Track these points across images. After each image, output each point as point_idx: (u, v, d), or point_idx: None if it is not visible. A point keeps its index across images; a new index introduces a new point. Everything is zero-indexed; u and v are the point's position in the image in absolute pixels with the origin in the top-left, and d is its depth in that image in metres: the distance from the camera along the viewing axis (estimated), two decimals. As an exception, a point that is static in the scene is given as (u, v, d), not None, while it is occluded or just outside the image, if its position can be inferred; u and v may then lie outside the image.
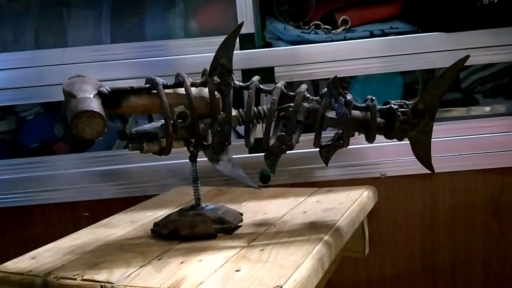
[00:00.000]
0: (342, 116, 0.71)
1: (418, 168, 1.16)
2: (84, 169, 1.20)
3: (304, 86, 0.74)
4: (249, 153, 1.14)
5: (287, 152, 0.76)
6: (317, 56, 1.15)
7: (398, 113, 0.73)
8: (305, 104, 0.73)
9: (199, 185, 0.78)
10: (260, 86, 0.75)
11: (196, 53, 1.15)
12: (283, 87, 0.74)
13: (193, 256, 0.68)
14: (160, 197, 1.03)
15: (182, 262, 0.66)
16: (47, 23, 1.25)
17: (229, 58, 0.72)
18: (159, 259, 0.67)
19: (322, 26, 1.18)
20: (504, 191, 1.20)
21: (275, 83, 0.77)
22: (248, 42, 1.14)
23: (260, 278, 0.59)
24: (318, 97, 0.73)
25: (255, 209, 0.88)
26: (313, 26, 1.19)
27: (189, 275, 0.61)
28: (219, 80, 0.72)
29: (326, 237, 0.72)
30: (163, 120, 0.71)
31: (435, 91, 0.74)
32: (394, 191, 1.20)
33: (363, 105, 0.74)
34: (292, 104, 0.73)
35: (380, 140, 1.18)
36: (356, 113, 0.74)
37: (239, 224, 0.79)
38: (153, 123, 0.74)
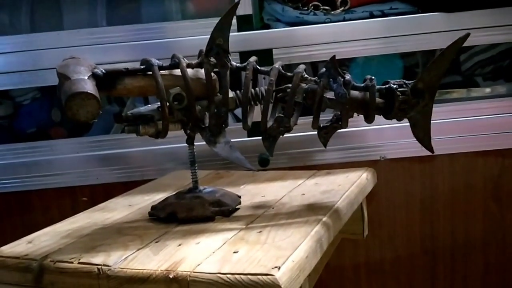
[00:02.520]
0: (341, 97, 0.70)
1: (417, 150, 1.17)
2: (82, 153, 1.19)
3: (302, 67, 0.73)
4: (248, 136, 1.13)
5: (286, 135, 0.75)
6: (316, 38, 1.13)
7: (398, 92, 0.72)
8: (303, 85, 0.72)
9: (196, 168, 0.77)
10: (258, 67, 0.74)
11: (193, 35, 1.14)
12: (280, 68, 0.73)
13: (191, 238, 0.67)
14: (157, 181, 1.02)
15: (179, 245, 0.65)
16: (42, 6, 1.23)
17: (226, 38, 0.71)
18: (157, 242, 0.67)
19: (321, 7, 1.17)
20: (504, 173, 1.19)
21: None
22: (246, 23, 1.13)
23: (258, 260, 0.58)
24: (316, 77, 0.72)
25: (253, 192, 0.88)
26: (312, 7, 1.17)
27: (186, 257, 0.61)
28: (215, 61, 0.71)
29: (324, 219, 0.72)
30: (159, 103, 0.70)
31: (435, 71, 0.72)
32: (394, 173, 1.19)
33: (362, 85, 0.73)
34: (290, 85, 0.72)
35: (379, 122, 1.17)
36: (355, 93, 0.72)
37: (237, 207, 0.79)
38: (149, 105, 0.73)
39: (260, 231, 0.68)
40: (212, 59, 0.71)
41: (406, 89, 0.72)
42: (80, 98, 0.61)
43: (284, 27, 1.16)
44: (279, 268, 0.55)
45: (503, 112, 1.16)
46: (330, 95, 0.72)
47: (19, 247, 0.69)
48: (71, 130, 1.32)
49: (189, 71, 0.71)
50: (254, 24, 1.13)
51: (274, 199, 0.83)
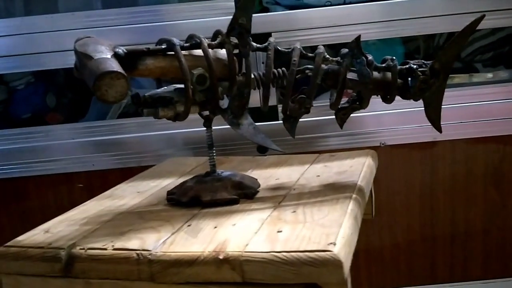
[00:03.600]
0: (364, 77, 0.71)
1: (418, 137, 1.17)
2: (78, 139, 1.18)
3: (322, 48, 0.72)
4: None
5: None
6: (315, 21, 1.11)
7: (419, 72, 0.73)
8: (324, 66, 0.71)
9: (214, 151, 0.76)
10: (278, 47, 0.72)
11: (190, 19, 1.12)
12: (302, 48, 0.72)
13: (224, 220, 0.65)
14: (157, 168, 1.01)
15: (215, 227, 0.63)
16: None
17: (249, 18, 0.68)
18: (189, 226, 0.64)
19: (321, -10, 1.15)
20: (504, 160, 1.18)
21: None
22: (244, 6, 1.11)
23: (307, 237, 0.56)
24: (339, 57, 0.72)
25: (264, 176, 0.86)
26: (312, -10, 1.15)
27: (229, 239, 0.58)
28: (236, 41, 0.69)
29: (354, 195, 0.71)
30: (175, 84, 0.69)
31: (452, 51, 0.74)
32: (394, 160, 1.18)
33: (383, 65, 0.73)
34: (309, 66, 0.71)
35: (379, 108, 1.16)
36: (375, 74, 0.73)
37: (258, 189, 0.77)
38: (164, 87, 0.70)
39: (294, 211, 0.66)
40: (233, 39, 0.69)
41: (426, 69, 0.74)
42: (109, 77, 0.59)
43: (283, 10, 1.14)
44: (334, 244, 0.54)
45: (504, 98, 1.14)
46: (350, 75, 0.72)
47: (37, 236, 0.65)
48: (66, 116, 1.30)
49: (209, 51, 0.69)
50: (252, 7, 1.11)
51: (291, 181, 0.82)
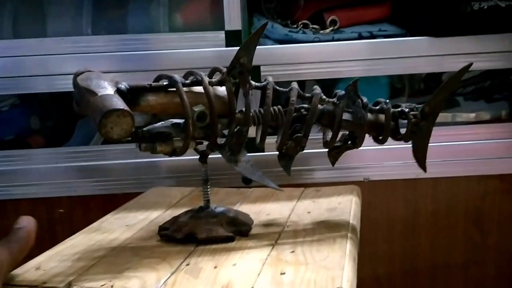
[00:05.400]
0: (360, 118, 0.73)
1: (401, 173, 1.18)
2: (61, 164, 1.16)
3: (318, 88, 0.74)
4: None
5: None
6: (304, 56, 1.13)
7: (411, 115, 0.75)
8: (319, 106, 0.73)
9: (209, 187, 0.76)
10: (276, 86, 0.73)
11: (180, 48, 1.13)
12: (299, 88, 0.73)
13: (223, 260, 0.64)
14: (141, 199, 0.99)
15: (215, 267, 0.62)
16: (26, 11, 1.21)
17: (250, 58, 0.70)
18: (187, 265, 0.63)
19: (310, 26, 1.17)
20: (485, 199, 1.20)
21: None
22: (234, 39, 1.12)
23: (313, 280, 0.56)
24: (335, 98, 0.74)
25: (254, 210, 0.85)
26: (301, 25, 1.17)
27: (233, 281, 0.57)
28: (237, 80, 0.70)
29: (350, 235, 0.71)
30: (172, 119, 0.69)
31: (441, 95, 0.77)
32: (377, 195, 1.19)
33: (377, 107, 0.76)
34: (304, 105, 0.73)
35: (364, 144, 1.17)
36: (368, 115, 0.75)
37: (251, 226, 0.77)
38: (162, 122, 0.70)
39: (293, 251, 0.66)
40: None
41: (417, 112, 0.76)
42: (116, 115, 0.58)
43: (272, 44, 1.15)
44: None
45: (487, 138, 1.17)
46: (345, 116, 0.74)
47: (28, 274, 0.63)
48: (50, 139, 1.29)
49: None
50: (242, 39, 1.12)
51: (283, 217, 0.82)
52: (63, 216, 1.19)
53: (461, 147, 1.16)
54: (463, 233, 1.21)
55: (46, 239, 1.18)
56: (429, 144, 1.18)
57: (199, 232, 0.71)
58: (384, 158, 1.16)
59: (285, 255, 0.65)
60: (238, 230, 0.73)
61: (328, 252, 0.65)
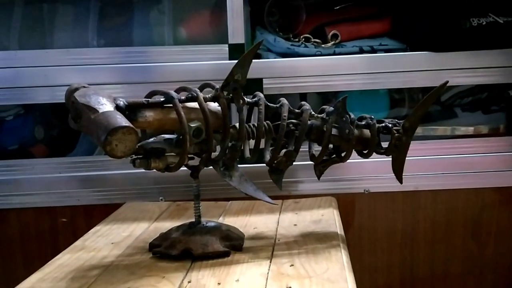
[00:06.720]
0: (348, 134, 0.76)
1: (400, 186, 1.18)
2: (64, 174, 1.17)
3: (308, 105, 0.76)
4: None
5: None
6: (306, 70, 1.14)
7: (394, 130, 0.78)
8: (308, 121, 0.75)
9: (200, 202, 0.76)
10: (267, 103, 0.75)
11: (183, 61, 1.14)
12: (289, 104, 0.75)
13: (224, 276, 0.65)
14: (118, 215, 0.98)
15: (219, 283, 0.62)
16: (32, 23, 1.22)
17: (244, 75, 0.71)
18: (189, 282, 0.63)
19: (312, 40, 1.18)
20: (483, 211, 1.21)
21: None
22: (237, 52, 1.13)
23: None
24: (324, 114, 0.76)
25: (240, 224, 0.87)
26: (303, 39, 1.18)
27: None
28: (230, 96, 0.71)
29: (342, 245, 0.73)
30: (164, 135, 0.69)
31: (419, 112, 0.80)
32: (377, 207, 1.20)
33: (363, 123, 0.79)
34: (293, 121, 0.75)
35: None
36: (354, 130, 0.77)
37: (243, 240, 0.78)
38: (154, 138, 0.71)
39: (292, 264, 0.67)
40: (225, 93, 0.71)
41: (399, 127, 0.79)
42: (121, 132, 0.59)
43: (275, 58, 1.17)
44: None
45: (485, 151, 1.18)
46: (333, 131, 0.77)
47: None
48: (54, 149, 1.30)
49: None
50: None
51: (270, 230, 0.83)
52: (66, 225, 1.19)
53: (460, 160, 1.18)
54: (461, 244, 1.22)
55: (49, 248, 1.19)
56: (428, 157, 1.21)
57: (195, 248, 0.71)
58: (384, 171, 1.17)
59: (286, 269, 0.66)
60: (232, 245, 0.74)
61: (327, 264, 0.67)
